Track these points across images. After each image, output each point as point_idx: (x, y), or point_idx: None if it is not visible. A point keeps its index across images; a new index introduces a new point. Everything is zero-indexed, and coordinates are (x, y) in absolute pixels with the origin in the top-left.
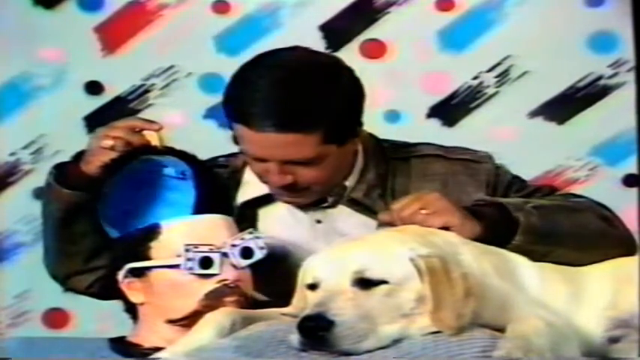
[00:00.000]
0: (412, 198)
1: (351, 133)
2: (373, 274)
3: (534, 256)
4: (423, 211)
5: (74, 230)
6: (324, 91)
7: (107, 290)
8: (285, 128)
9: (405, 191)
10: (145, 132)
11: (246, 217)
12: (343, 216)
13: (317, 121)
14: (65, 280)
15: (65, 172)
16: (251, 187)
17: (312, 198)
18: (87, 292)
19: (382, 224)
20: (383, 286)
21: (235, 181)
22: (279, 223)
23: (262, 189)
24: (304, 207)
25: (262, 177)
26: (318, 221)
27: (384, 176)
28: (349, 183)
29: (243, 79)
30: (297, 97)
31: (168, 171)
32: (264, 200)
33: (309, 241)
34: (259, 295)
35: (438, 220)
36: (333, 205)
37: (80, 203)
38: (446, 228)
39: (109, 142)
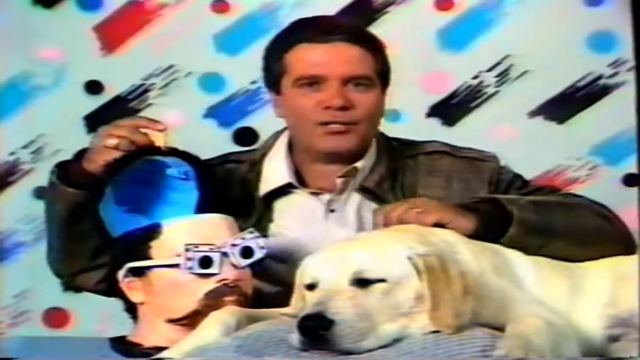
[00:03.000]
0: (400, 202)
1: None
2: (371, 273)
3: (529, 250)
4: (415, 210)
5: (79, 229)
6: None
7: (114, 287)
8: (353, 40)
9: (413, 186)
10: (149, 132)
11: (264, 208)
12: (355, 206)
13: (379, 44)
14: (71, 278)
15: (68, 171)
16: (270, 179)
17: (350, 143)
18: (95, 289)
19: (377, 225)
20: (381, 285)
21: (255, 174)
22: (295, 213)
23: (283, 179)
24: (319, 194)
25: (313, 113)
26: (332, 210)
27: (395, 172)
28: (360, 165)
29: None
30: (360, 24)
31: (171, 171)
32: (282, 191)
33: (322, 230)
34: (266, 285)
35: (431, 217)
36: (343, 190)
37: (84, 202)
38: (440, 225)
39: (113, 141)
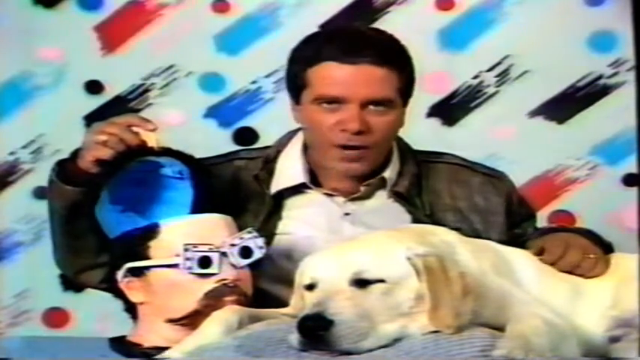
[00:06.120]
0: (563, 244)
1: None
2: (370, 273)
3: None
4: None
5: (79, 226)
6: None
7: (114, 288)
8: (379, 61)
9: (439, 192)
10: (141, 132)
11: (274, 205)
12: (373, 211)
13: (406, 60)
14: (76, 276)
15: (65, 169)
16: (283, 177)
17: (363, 167)
18: (99, 287)
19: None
20: (380, 285)
21: (268, 171)
22: (308, 213)
23: (297, 178)
24: (333, 196)
25: (329, 132)
26: (346, 214)
27: (419, 177)
28: (388, 175)
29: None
30: (390, 36)
31: (166, 171)
32: (295, 190)
33: (337, 231)
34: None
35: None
36: (368, 196)
37: (82, 200)
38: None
39: (103, 138)
